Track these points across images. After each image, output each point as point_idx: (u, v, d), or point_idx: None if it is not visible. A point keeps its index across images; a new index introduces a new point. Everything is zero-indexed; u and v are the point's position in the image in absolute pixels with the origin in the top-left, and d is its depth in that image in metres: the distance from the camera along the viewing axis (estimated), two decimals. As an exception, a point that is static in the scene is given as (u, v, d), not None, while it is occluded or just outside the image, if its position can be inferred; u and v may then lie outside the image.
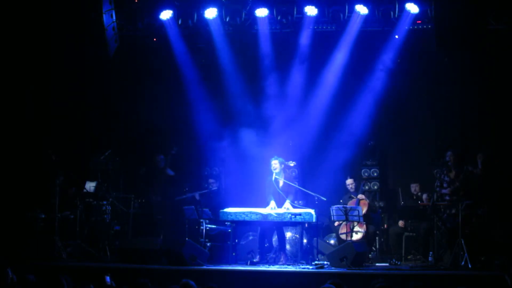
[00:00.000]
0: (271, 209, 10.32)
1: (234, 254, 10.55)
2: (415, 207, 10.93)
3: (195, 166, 12.83)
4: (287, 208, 10.20)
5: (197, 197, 11.70)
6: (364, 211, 10.89)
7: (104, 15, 10.60)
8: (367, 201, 11.09)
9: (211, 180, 12.12)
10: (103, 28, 10.73)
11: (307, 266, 9.83)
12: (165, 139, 12.68)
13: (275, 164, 10.71)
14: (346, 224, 10.77)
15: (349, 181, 11.33)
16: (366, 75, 12.09)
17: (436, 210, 10.14)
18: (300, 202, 11.00)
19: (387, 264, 10.48)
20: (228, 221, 10.56)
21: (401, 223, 11.24)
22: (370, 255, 10.77)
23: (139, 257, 10.04)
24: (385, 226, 11.52)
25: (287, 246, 10.92)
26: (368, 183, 12.11)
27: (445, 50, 11.25)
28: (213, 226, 11.24)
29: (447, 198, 10.17)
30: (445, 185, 10.28)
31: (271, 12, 11.51)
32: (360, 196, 11.15)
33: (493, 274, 8.84)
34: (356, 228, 10.72)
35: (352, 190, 11.29)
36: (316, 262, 10.00)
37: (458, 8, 10.02)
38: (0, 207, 11.14)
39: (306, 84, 12.38)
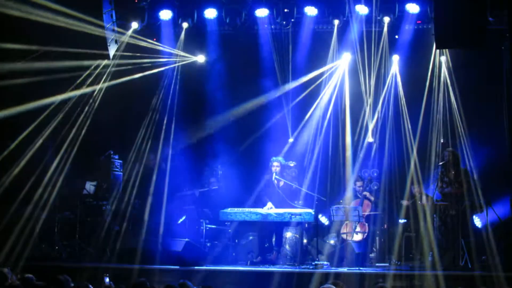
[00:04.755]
0: (267, 209, 10.33)
1: (234, 254, 10.55)
2: (415, 207, 10.91)
3: (196, 166, 12.83)
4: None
5: (197, 194, 11.65)
6: (367, 211, 10.89)
7: (104, 15, 10.57)
8: (370, 202, 11.08)
9: (212, 179, 12.10)
10: (103, 28, 10.70)
11: (307, 266, 9.83)
12: (165, 139, 12.67)
13: (276, 164, 10.72)
14: (348, 224, 10.77)
15: (358, 183, 11.31)
16: (366, 75, 12.08)
17: (436, 210, 10.14)
18: (300, 202, 11.00)
19: (387, 264, 10.47)
20: (228, 221, 10.56)
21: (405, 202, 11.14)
22: (370, 255, 10.77)
23: (139, 257, 10.04)
24: (385, 226, 11.51)
25: (287, 246, 10.91)
26: (368, 183, 12.09)
27: (444, 50, 11.26)
28: (213, 226, 11.23)
29: (447, 198, 10.18)
30: (444, 185, 10.28)
31: (271, 12, 11.50)
32: (365, 193, 11.14)
33: (493, 274, 8.85)
34: (358, 229, 10.71)
35: (360, 190, 11.28)
36: (316, 262, 10.00)
37: (457, 8, 10.00)
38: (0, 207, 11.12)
39: (306, 84, 12.38)
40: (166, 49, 12.07)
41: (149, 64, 12.21)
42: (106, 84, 11.87)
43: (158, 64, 12.29)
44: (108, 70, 11.77)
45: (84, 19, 10.41)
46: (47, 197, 11.00)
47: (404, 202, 11.01)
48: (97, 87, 11.73)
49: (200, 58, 12.43)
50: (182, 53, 12.23)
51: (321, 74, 12.25)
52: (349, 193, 11.42)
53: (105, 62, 11.42)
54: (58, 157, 11.27)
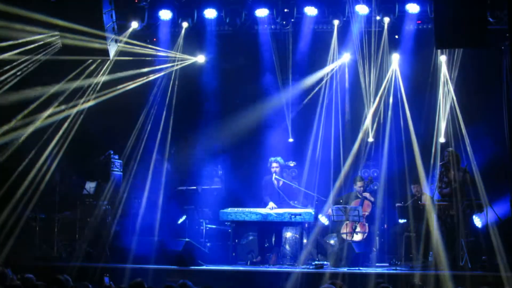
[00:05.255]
0: (270, 209, 10.35)
1: (234, 254, 10.56)
2: (415, 207, 10.91)
3: (197, 166, 12.85)
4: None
5: (199, 190, 11.56)
6: (367, 212, 10.89)
7: (104, 15, 10.56)
8: (370, 202, 11.08)
9: (216, 179, 12.09)
10: (103, 28, 10.69)
11: (307, 266, 9.83)
12: (166, 139, 12.67)
13: (275, 164, 10.73)
14: (348, 224, 10.77)
15: (359, 183, 11.30)
16: (366, 75, 12.08)
17: (436, 210, 10.15)
18: (299, 202, 11.01)
19: (387, 264, 10.47)
20: (228, 221, 10.57)
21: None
22: (370, 255, 10.77)
23: (138, 257, 10.05)
24: (385, 226, 11.52)
25: (287, 246, 10.92)
26: (369, 183, 12.08)
27: (444, 50, 11.27)
28: (213, 226, 11.23)
29: (447, 198, 10.19)
30: (444, 185, 10.29)
31: (271, 12, 11.50)
32: (366, 194, 11.14)
33: (493, 274, 8.85)
34: (358, 229, 10.72)
35: (360, 190, 11.28)
36: (316, 262, 10.01)
37: (457, 8, 10.00)
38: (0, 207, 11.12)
39: (306, 84, 12.40)
40: (165, 52, 12.05)
41: (150, 68, 12.21)
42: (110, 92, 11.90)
43: (158, 67, 12.28)
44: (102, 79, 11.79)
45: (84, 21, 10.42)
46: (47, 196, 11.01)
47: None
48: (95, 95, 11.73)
49: (200, 59, 12.42)
50: (182, 55, 12.21)
51: (321, 74, 12.23)
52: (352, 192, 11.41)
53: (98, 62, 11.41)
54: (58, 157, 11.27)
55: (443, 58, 11.59)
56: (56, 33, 10.55)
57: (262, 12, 11.41)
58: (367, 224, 10.87)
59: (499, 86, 11.48)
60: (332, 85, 12.21)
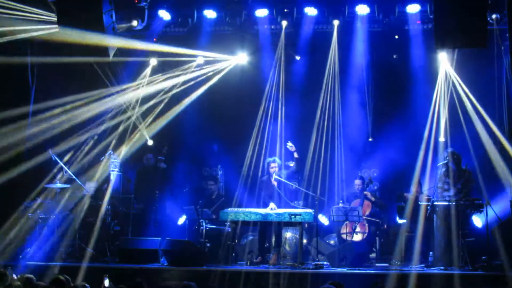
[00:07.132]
0: (271, 210, 10.35)
1: (234, 254, 10.56)
2: (415, 207, 10.91)
3: (195, 167, 12.85)
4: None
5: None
6: (367, 212, 10.89)
7: (104, 15, 10.55)
8: (370, 202, 11.07)
9: (210, 182, 12.07)
10: (103, 28, 10.67)
11: (307, 266, 9.84)
12: (164, 139, 12.69)
13: (274, 165, 10.72)
14: (348, 224, 10.78)
15: (357, 182, 11.30)
16: (366, 75, 12.09)
17: (436, 210, 10.15)
18: (300, 202, 11.01)
19: (387, 264, 10.47)
20: (228, 221, 10.56)
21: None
22: (370, 255, 10.77)
23: (138, 257, 10.05)
24: (385, 226, 11.52)
25: (287, 247, 10.92)
26: (369, 183, 12.07)
27: (444, 50, 11.27)
28: (213, 226, 11.23)
29: (447, 198, 10.19)
30: (445, 186, 10.29)
31: (271, 13, 11.51)
32: (367, 193, 11.15)
33: (493, 274, 8.86)
34: (358, 229, 10.72)
35: (359, 190, 11.29)
36: (316, 262, 10.00)
37: (457, 8, 10.01)
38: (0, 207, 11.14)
39: (306, 84, 12.39)
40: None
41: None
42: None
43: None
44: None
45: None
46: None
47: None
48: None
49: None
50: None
51: (321, 74, 12.22)
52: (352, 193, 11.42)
53: None
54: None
55: (443, 58, 11.60)
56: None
57: (262, 12, 11.42)
58: (367, 224, 10.87)
59: (499, 86, 11.49)
60: (332, 85, 12.19)
